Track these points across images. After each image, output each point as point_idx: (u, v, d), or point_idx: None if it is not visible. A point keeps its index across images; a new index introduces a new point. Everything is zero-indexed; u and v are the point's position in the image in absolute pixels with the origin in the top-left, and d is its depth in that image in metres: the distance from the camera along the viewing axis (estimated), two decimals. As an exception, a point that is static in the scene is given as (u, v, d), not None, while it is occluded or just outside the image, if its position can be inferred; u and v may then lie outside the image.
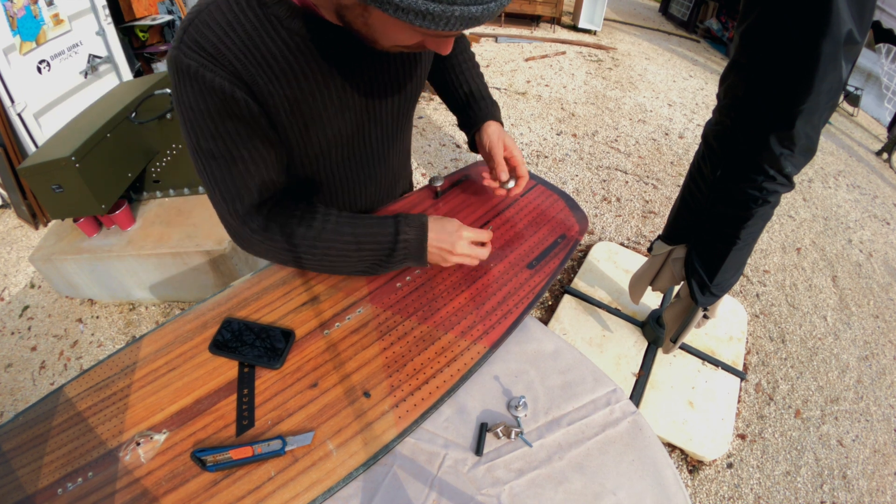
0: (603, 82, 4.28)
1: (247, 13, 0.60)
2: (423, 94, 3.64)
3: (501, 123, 0.96)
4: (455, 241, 0.79)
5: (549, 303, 2.10)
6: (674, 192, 2.89)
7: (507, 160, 0.91)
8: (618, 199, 2.84)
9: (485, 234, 0.83)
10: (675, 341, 1.59)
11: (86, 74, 2.66)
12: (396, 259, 0.78)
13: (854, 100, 4.34)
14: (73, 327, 2.05)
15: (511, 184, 0.92)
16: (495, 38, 5.12)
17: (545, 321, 2.01)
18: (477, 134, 0.94)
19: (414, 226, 0.78)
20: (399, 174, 1.00)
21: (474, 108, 0.95)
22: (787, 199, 3.01)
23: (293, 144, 0.72)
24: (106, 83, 2.78)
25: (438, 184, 1.01)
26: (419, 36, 0.55)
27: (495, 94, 3.88)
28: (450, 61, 0.97)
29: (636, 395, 1.73)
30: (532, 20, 5.63)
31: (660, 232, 1.72)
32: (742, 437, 1.73)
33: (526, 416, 0.71)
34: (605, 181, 2.99)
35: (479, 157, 1.02)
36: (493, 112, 0.95)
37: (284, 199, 0.76)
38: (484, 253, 0.83)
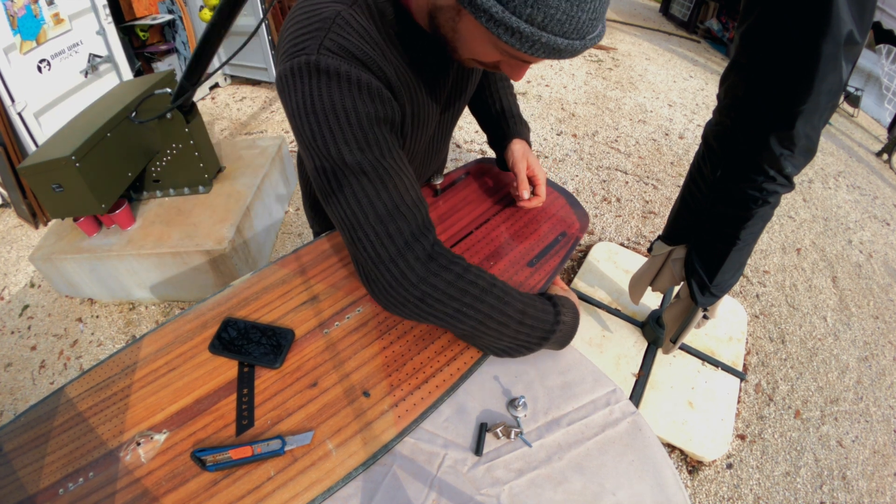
0: (603, 82, 4.28)
1: (372, 23, 0.58)
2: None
3: (529, 142, 0.96)
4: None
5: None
6: (674, 193, 2.89)
7: (529, 178, 0.92)
8: (618, 200, 2.84)
9: None
10: (674, 342, 1.59)
11: (86, 74, 2.66)
12: (549, 342, 0.72)
13: (854, 100, 4.33)
14: (72, 327, 2.06)
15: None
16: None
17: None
18: (505, 151, 0.95)
19: (569, 308, 0.74)
20: (431, 176, 1.03)
21: (503, 126, 0.95)
22: (787, 199, 3.01)
23: None
24: (106, 83, 2.78)
25: (438, 181, 1.01)
26: (499, 55, 0.54)
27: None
28: (487, 79, 0.97)
29: (636, 396, 1.73)
30: (532, 20, 5.61)
31: (660, 232, 1.72)
32: (742, 437, 1.73)
33: (526, 416, 0.71)
34: (605, 181, 2.99)
35: (478, 156, 1.02)
36: (521, 131, 0.95)
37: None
38: None
